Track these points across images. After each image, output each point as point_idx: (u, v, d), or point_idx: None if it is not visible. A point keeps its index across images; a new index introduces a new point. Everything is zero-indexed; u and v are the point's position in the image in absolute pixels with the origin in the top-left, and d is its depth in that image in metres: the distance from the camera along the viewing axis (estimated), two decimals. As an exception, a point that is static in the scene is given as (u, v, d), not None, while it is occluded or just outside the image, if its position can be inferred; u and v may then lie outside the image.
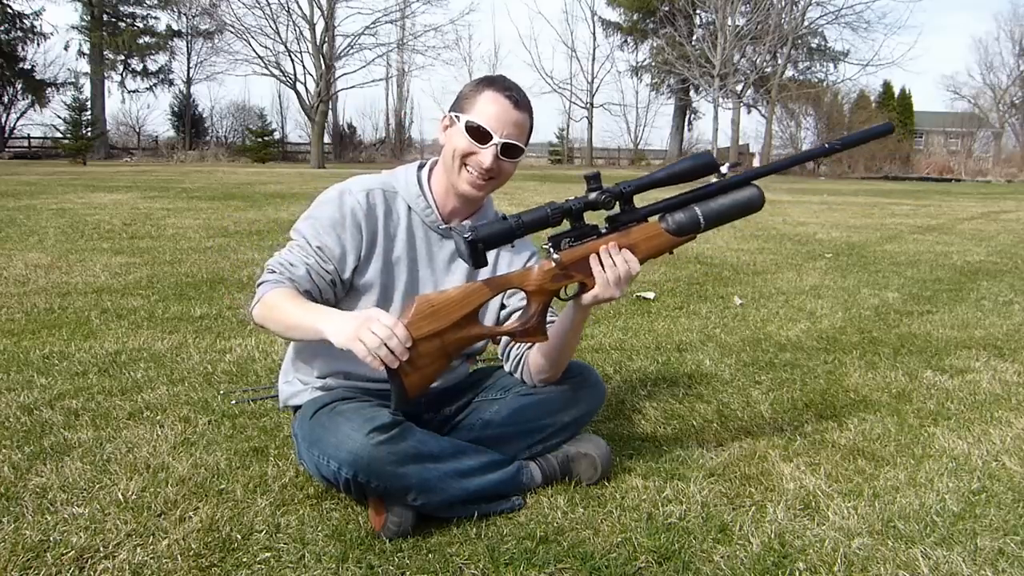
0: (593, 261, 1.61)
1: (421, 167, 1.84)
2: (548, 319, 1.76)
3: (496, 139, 1.68)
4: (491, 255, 1.82)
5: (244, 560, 1.50)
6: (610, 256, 1.61)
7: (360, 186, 1.77)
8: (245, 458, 1.96)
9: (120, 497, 1.72)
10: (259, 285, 1.69)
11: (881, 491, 1.86)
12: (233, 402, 2.38)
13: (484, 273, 1.80)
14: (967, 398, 2.62)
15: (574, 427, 1.87)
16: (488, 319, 1.86)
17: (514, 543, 1.57)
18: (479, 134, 1.68)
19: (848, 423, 2.34)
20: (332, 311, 1.58)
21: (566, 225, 1.64)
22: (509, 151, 1.71)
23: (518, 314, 1.78)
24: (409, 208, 1.80)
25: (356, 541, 1.57)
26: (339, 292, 1.75)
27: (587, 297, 1.64)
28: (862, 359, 3.11)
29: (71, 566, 1.46)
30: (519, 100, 1.71)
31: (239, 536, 1.58)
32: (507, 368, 1.92)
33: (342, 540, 1.57)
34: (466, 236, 1.51)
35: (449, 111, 1.76)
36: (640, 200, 1.65)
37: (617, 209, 1.63)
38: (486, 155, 1.69)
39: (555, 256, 1.60)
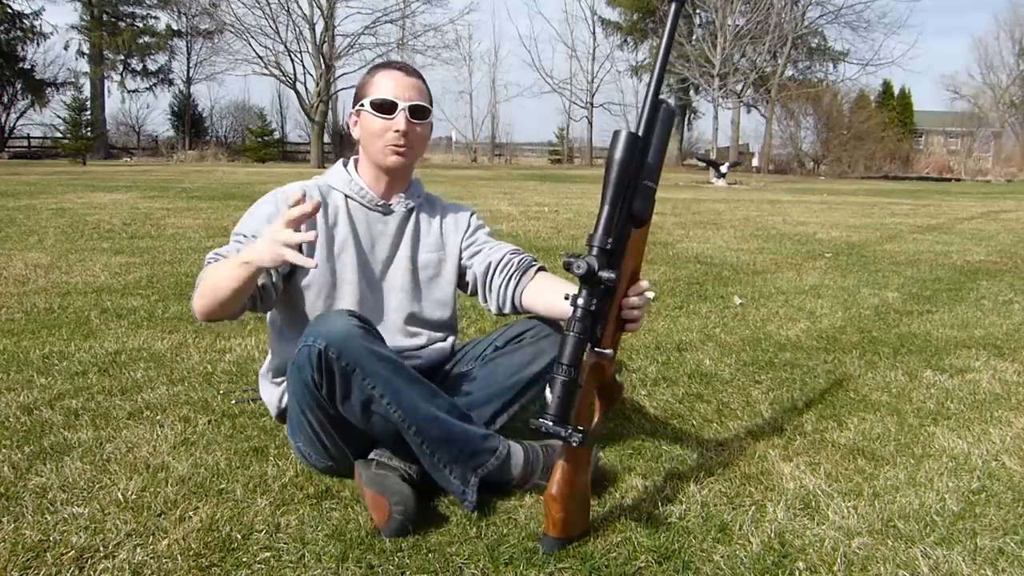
0: (625, 323, 1.61)
1: (345, 163, 1.96)
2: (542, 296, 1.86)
3: (401, 104, 1.80)
4: (409, 229, 1.93)
5: (244, 560, 1.50)
6: (632, 307, 1.59)
7: (296, 186, 1.89)
8: (245, 458, 1.96)
9: (120, 497, 1.72)
10: (197, 283, 1.73)
11: (881, 491, 1.86)
12: (233, 402, 2.38)
13: (447, 269, 1.95)
14: (967, 398, 2.62)
15: (542, 377, 1.83)
16: (448, 283, 1.97)
17: (514, 543, 1.57)
18: (385, 107, 1.80)
19: (848, 423, 2.34)
20: (245, 250, 1.62)
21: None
22: (417, 113, 1.83)
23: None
24: (346, 196, 1.90)
25: (356, 541, 1.57)
26: (277, 284, 1.79)
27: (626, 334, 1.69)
28: (862, 359, 3.11)
29: (71, 566, 1.46)
30: (408, 69, 1.86)
31: (239, 536, 1.58)
32: (493, 310, 1.96)
33: (342, 540, 1.57)
34: (573, 440, 1.48)
35: (352, 108, 1.89)
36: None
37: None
38: (398, 120, 1.80)
39: (608, 352, 1.58)
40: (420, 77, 1.87)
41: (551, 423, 1.48)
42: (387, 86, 1.82)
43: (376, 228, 1.91)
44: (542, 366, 1.85)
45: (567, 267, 1.48)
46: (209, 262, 1.76)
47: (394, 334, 1.90)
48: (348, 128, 1.93)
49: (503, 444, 1.75)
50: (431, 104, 1.88)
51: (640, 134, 1.53)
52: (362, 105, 1.84)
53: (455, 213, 2.03)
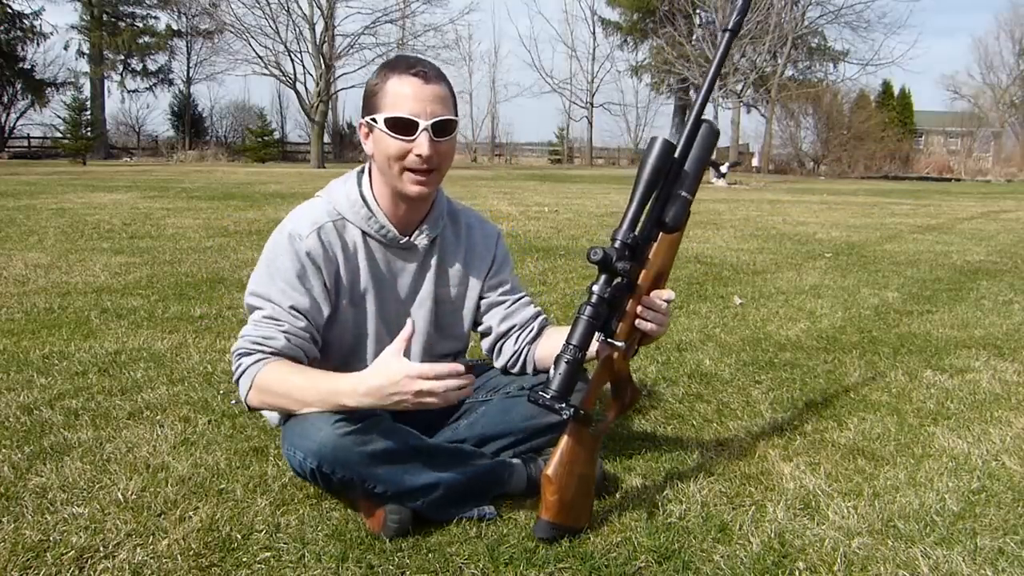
0: (639, 322, 1.59)
1: (360, 177, 1.73)
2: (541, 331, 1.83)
3: (423, 123, 1.55)
4: (432, 267, 1.78)
5: (244, 560, 1.50)
6: (649, 309, 1.58)
7: (308, 226, 1.66)
8: (245, 458, 1.96)
9: (120, 497, 1.72)
10: (240, 372, 1.60)
11: (881, 490, 1.86)
12: (233, 402, 2.37)
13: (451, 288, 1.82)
14: (967, 397, 2.62)
15: (558, 428, 1.84)
16: (467, 321, 1.87)
17: (514, 543, 1.57)
18: (403, 126, 1.55)
19: (848, 423, 2.34)
20: (339, 376, 1.53)
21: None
22: (441, 129, 1.58)
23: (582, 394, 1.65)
24: (363, 233, 1.70)
25: (356, 541, 1.57)
26: (319, 345, 1.69)
27: (644, 342, 1.66)
28: (862, 359, 3.11)
29: (71, 566, 1.46)
30: (428, 73, 1.57)
31: (239, 536, 1.58)
32: (498, 365, 1.90)
33: (342, 540, 1.57)
34: (564, 413, 1.49)
35: (362, 116, 1.63)
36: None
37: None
38: (420, 144, 1.55)
39: (621, 344, 1.58)
40: (441, 79, 1.60)
41: (547, 396, 1.49)
42: (404, 98, 1.55)
43: (396, 267, 1.75)
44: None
45: (588, 255, 1.50)
46: (249, 352, 1.59)
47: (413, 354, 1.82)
48: (359, 137, 1.69)
49: (507, 470, 1.75)
50: (456, 110, 1.64)
51: (680, 145, 1.57)
52: (374, 120, 1.58)
53: (482, 238, 1.86)
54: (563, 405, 1.49)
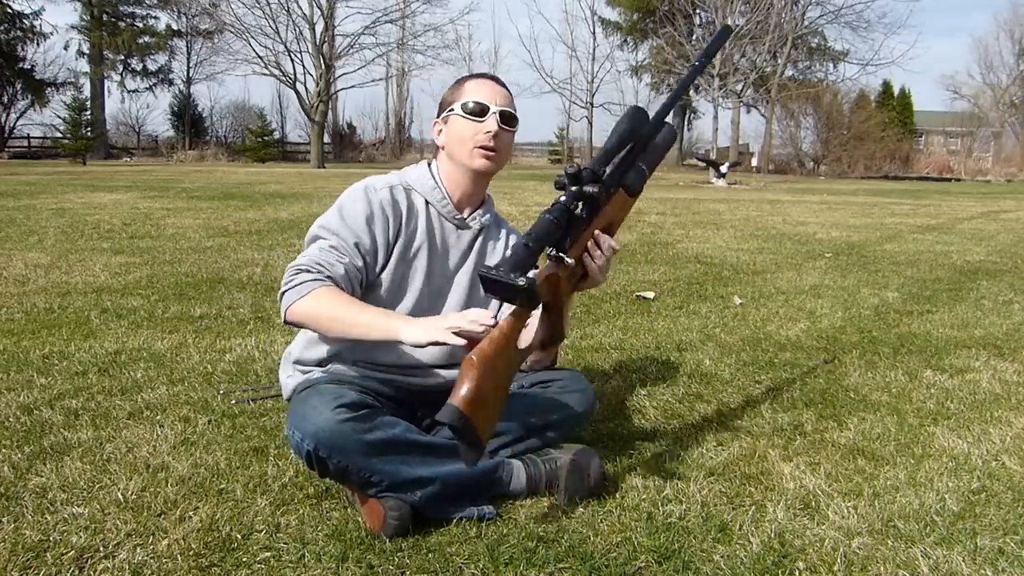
0: (586, 257, 1.63)
1: (429, 164, 1.94)
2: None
3: (493, 108, 1.80)
4: (476, 249, 1.92)
5: (244, 560, 1.50)
6: (598, 246, 1.63)
7: (383, 182, 1.86)
8: (245, 458, 1.96)
9: (120, 497, 1.72)
10: (294, 284, 1.67)
11: (881, 491, 1.86)
12: (233, 402, 2.38)
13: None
14: (967, 397, 2.62)
15: (559, 429, 1.87)
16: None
17: (514, 543, 1.57)
18: (477, 110, 1.80)
19: (848, 423, 2.34)
20: (398, 315, 1.70)
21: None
22: (507, 120, 1.83)
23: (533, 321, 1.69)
24: (426, 201, 1.88)
25: (356, 541, 1.57)
26: (363, 289, 1.80)
27: (583, 286, 1.67)
28: (862, 359, 3.11)
29: (71, 566, 1.46)
30: (499, 80, 1.87)
31: (239, 536, 1.58)
32: None
33: (342, 540, 1.57)
34: (519, 280, 1.47)
35: (437, 117, 1.89)
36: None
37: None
38: (490, 122, 1.80)
39: (569, 261, 1.59)
40: (509, 91, 1.88)
41: (500, 269, 1.49)
42: (480, 92, 1.82)
43: (450, 239, 1.91)
44: (560, 418, 1.86)
45: (562, 172, 1.57)
46: (309, 269, 1.69)
47: (435, 353, 1.85)
48: (432, 138, 1.91)
49: (506, 470, 1.76)
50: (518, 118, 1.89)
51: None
52: (451, 110, 1.83)
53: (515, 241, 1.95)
54: (517, 274, 1.48)
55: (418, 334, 1.55)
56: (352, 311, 1.65)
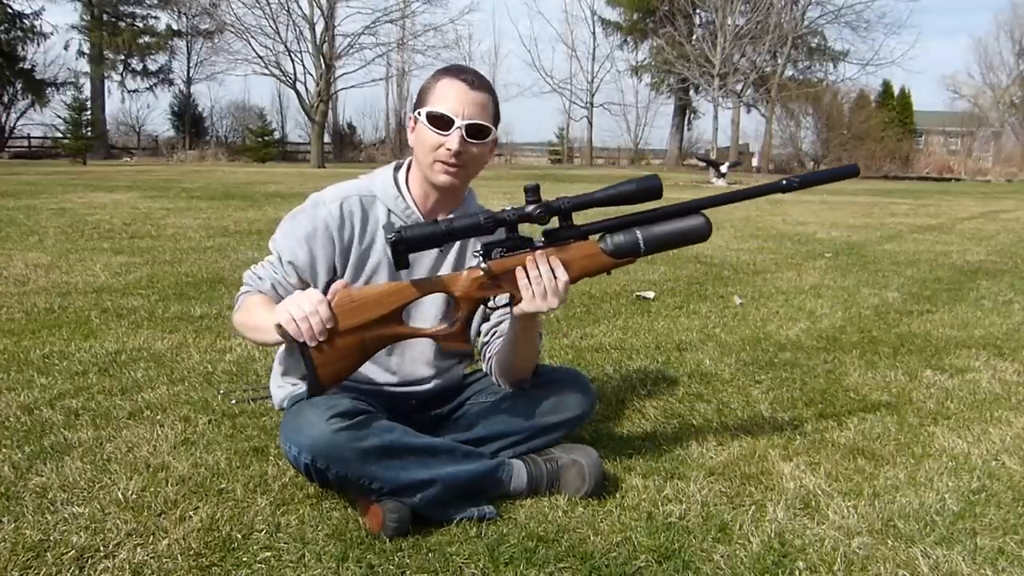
0: (519, 273, 1.59)
1: (398, 168, 1.83)
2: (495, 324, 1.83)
3: (459, 122, 1.66)
4: (452, 255, 1.83)
5: (244, 559, 1.50)
6: (537, 268, 1.58)
7: (335, 195, 1.77)
8: (245, 458, 1.96)
9: (120, 497, 1.72)
10: (238, 296, 1.78)
11: (881, 490, 1.86)
12: (233, 402, 2.38)
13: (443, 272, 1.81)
14: (967, 397, 2.62)
15: (560, 429, 1.86)
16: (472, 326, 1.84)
17: (514, 543, 1.57)
18: (441, 122, 1.66)
19: (848, 422, 2.34)
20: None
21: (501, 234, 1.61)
22: (475, 133, 1.68)
23: (445, 321, 1.70)
24: (389, 211, 1.78)
25: (356, 540, 1.57)
26: None
27: (516, 309, 1.63)
28: (862, 359, 3.11)
29: (71, 566, 1.46)
30: (474, 81, 1.70)
31: (239, 535, 1.58)
32: (484, 369, 1.93)
33: (342, 539, 1.57)
34: (390, 237, 1.51)
35: (412, 111, 1.75)
36: (582, 217, 1.62)
37: (555, 224, 1.62)
38: (452, 139, 1.66)
39: (483, 265, 1.59)
40: (487, 90, 1.72)
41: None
42: (448, 97, 1.67)
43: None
44: (561, 419, 1.85)
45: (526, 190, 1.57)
46: (247, 284, 1.77)
47: (417, 364, 1.84)
48: (409, 132, 1.78)
49: (506, 471, 1.76)
50: (495, 121, 1.74)
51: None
52: (419, 113, 1.70)
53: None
54: (395, 235, 1.50)
55: (275, 315, 1.53)
56: (254, 313, 1.67)
